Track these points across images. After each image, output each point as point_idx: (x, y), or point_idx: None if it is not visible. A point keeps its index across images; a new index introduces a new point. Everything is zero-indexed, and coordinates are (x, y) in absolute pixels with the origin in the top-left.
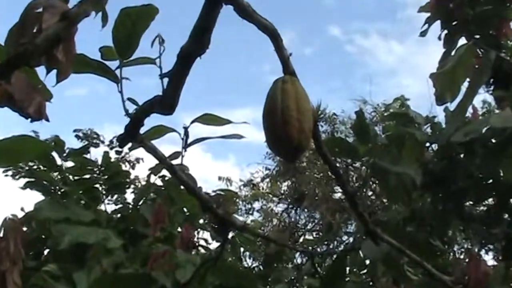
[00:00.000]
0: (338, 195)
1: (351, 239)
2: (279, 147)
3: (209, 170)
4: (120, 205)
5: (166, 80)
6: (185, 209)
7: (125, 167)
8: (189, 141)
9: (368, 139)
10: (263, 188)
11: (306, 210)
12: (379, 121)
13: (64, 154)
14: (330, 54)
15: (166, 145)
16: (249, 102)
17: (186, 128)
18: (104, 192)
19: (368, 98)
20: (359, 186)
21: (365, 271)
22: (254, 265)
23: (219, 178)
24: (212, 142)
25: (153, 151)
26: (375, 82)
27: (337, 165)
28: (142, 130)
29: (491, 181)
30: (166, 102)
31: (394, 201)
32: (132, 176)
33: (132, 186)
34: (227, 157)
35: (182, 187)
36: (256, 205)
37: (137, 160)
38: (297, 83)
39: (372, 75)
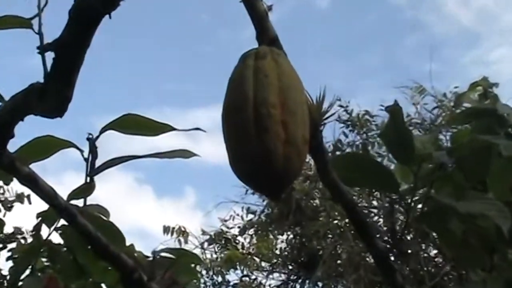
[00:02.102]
0: None
1: None
2: (251, 174)
3: (149, 216)
4: None
5: (51, 56)
6: (103, 286)
7: None
8: (100, 162)
9: (409, 156)
10: (243, 247)
11: (320, 284)
12: (446, 124)
13: None
14: (361, 7)
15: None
16: (218, 94)
17: (92, 141)
18: None
19: (427, 84)
20: (407, 239)
21: None
22: None
23: (165, 230)
24: (156, 169)
25: (32, 182)
26: (440, 55)
27: (372, 201)
28: (15, 145)
29: None
30: (50, 96)
31: (465, 264)
32: (9, 228)
33: (10, 245)
34: (182, 193)
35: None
36: (233, 276)
37: (19, 198)
38: (282, 59)
39: (435, 43)
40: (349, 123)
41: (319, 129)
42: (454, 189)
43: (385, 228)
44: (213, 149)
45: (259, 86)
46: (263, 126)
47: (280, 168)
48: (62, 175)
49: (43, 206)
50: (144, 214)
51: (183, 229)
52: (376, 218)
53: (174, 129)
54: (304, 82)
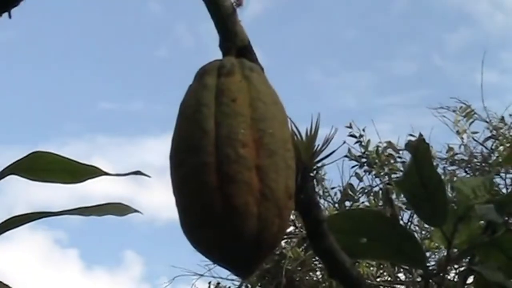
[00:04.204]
0: None
1: None
2: (211, 242)
3: None
4: None
5: None
6: None
7: None
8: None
9: (440, 214)
10: None
11: None
12: (505, 161)
13: None
14: None
15: None
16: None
17: None
18: None
19: (477, 104)
20: None
21: None
22: None
23: None
24: (83, 226)
25: None
26: (497, 62)
27: (397, 274)
28: None
29: None
30: None
31: None
32: None
33: None
34: (121, 260)
35: None
36: None
37: None
38: (256, 76)
39: (489, 45)
40: (364, 160)
41: (310, 176)
42: (507, 260)
43: None
44: (165, 197)
45: (223, 115)
46: (228, 173)
47: (252, 234)
48: None
49: None
50: None
51: None
52: None
53: (105, 173)
54: (292, 106)
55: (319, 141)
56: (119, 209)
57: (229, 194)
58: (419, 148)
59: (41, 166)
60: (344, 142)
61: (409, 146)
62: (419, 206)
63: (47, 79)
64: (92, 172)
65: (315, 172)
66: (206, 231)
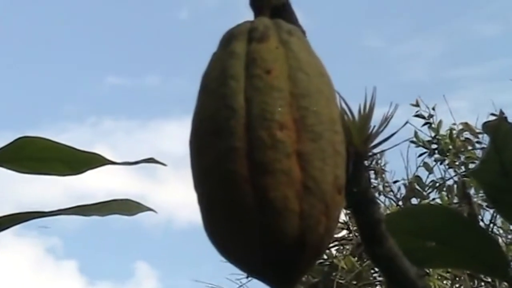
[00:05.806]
0: None
1: None
2: (242, 248)
3: None
4: None
5: None
6: None
7: None
8: None
9: None
10: None
11: None
12: None
13: None
14: None
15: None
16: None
17: None
18: None
19: None
20: None
21: None
22: None
23: None
24: (83, 232)
25: None
26: None
27: None
28: None
29: None
30: None
31: None
32: None
33: None
34: (131, 273)
35: None
36: None
37: None
38: (296, 42)
39: None
40: (434, 147)
41: (364, 164)
42: None
43: None
44: (185, 193)
45: (255, 90)
46: (262, 161)
47: (293, 236)
48: None
49: None
50: None
51: None
52: None
53: (109, 162)
54: (344, 78)
55: (375, 122)
56: (128, 207)
57: (263, 187)
58: (499, 128)
59: (30, 155)
60: (407, 123)
61: (487, 126)
62: (500, 201)
63: (41, 49)
64: (93, 161)
65: (370, 160)
66: (235, 234)
